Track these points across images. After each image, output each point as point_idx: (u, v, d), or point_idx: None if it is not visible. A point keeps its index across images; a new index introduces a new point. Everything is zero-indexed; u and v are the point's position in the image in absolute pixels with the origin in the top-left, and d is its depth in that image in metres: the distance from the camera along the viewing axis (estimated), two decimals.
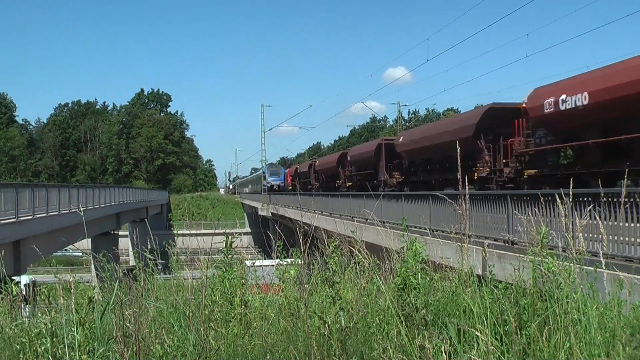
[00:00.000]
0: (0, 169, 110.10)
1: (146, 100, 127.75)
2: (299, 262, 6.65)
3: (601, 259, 5.07)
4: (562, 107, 18.29)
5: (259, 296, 6.31)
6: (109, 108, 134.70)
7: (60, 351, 4.45)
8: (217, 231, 9.57)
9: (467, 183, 6.06)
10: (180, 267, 7.64)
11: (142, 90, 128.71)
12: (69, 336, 4.51)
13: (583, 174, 18.04)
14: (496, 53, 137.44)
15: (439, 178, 28.28)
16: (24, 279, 6.78)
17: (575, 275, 4.61)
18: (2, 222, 20.23)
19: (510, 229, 12.11)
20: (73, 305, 4.69)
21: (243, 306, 5.57)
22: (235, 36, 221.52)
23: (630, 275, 5.53)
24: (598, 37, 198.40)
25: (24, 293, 7.07)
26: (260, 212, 60.83)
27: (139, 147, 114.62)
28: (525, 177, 21.20)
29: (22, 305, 6.21)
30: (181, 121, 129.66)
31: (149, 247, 7.55)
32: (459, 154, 6.29)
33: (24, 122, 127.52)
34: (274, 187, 71.69)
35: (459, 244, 5.56)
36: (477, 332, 4.24)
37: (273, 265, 6.95)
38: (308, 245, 6.62)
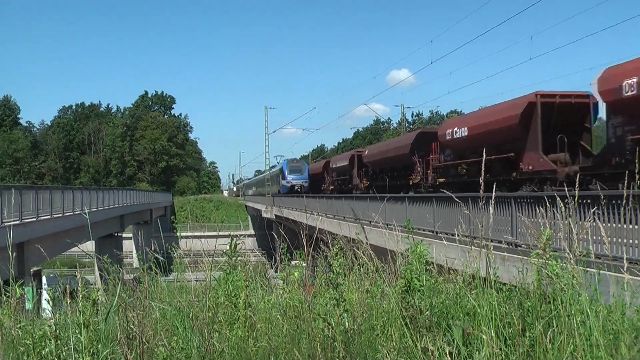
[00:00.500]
0: (4, 172, 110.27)
1: (150, 103, 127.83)
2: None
3: (607, 260, 5.06)
4: (455, 136, 27.52)
5: (263, 298, 6.32)
6: (113, 110, 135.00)
7: (64, 353, 4.45)
8: (221, 233, 9.57)
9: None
10: (184, 269, 7.65)
11: (146, 92, 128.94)
12: (73, 338, 4.51)
13: (472, 182, 24.61)
14: (500, 55, 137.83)
15: (391, 183, 36.78)
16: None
17: (579, 277, 4.61)
18: (6, 224, 20.28)
19: (514, 231, 12.12)
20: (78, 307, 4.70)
21: (247, 308, 5.56)
22: (238, 39, 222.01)
23: (634, 277, 5.52)
24: (601, 39, 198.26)
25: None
26: (264, 215, 60.33)
27: (143, 149, 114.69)
28: (438, 183, 29.75)
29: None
30: (185, 123, 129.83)
31: (153, 249, 7.55)
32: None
33: (28, 125, 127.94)
34: (296, 187, 59.71)
35: (465, 246, 5.55)
36: (482, 335, 4.24)
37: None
38: (312, 247, 6.61)
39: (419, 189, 31.68)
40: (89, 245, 36.04)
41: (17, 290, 6.04)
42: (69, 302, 5.02)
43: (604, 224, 8.66)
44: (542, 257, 4.82)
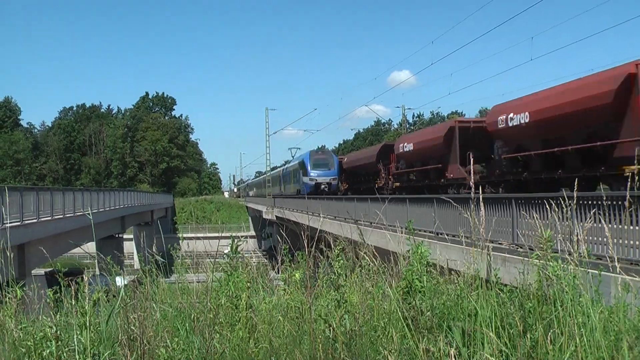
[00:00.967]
0: (5, 173, 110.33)
1: (151, 104, 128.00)
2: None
3: (607, 262, 5.06)
4: (405, 150, 35.26)
5: (264, 299, 6.32)
6: (114, 111, 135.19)
7: (65, 354, 4.45)
8: (222, 235, 9.57)
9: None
10: (185, 270, 7.64)
11: (147, 93, 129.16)
12: (74, 339, 4.51)
13: (418, 186, 33.07)
14: (500, 56, 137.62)
15: (364, 186, 44.27)
16: (122, 280, 6.86)
17: (579, 278, 4.61)
18: (7, 225, 20.28)
19: (514, 232, 12.11)
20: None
21: (248, 309, 5.56)
22: (239, 39, 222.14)
23: (635, 278, 5.52)
24: (602, 40, 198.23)
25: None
26: (264, 216, 59.92)
27: (144, 150, 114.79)
28: (395, 187, 37.42)
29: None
30: (186, 125, 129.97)
31: (154, 250, 7.55)
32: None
33: (28, 126, 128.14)
34: (323, 186, 47.06)
35: (466, 247, 5.56)
36: (483, 336, 4.24)
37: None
38: (313, 248, 6.61)
39: (383, 191, 37.42)
40: (90, 247, 36.06)
41: (18, 291, 6.03)
42: (73, 303, 5.03)
43: (603, 225, 8.66)
44: (542, 258, 4.82)
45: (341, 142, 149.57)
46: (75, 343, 4.48)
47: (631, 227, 8.85)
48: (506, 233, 12.43)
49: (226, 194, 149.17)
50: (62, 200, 28.88)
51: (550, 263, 4.71)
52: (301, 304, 5.82)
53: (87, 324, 4.58)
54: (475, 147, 24.61)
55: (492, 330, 4.38)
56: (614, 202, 9.13)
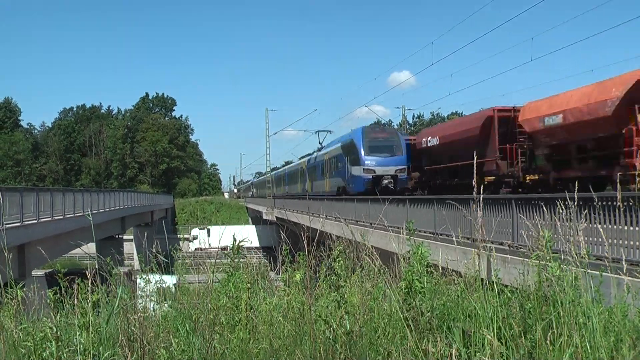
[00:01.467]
0: (5, 173, 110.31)
1: (151, 105, 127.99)
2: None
3: (607, 262, 5.07)
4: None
5: (264, 300, 6.32)
6: (114, 112, 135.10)
7: (65, 355, 4.45)
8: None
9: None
10: (186, 270, 7.64)
11: (147, 94, 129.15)
12: (74, 340, 4.51)
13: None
14: (501, 57, 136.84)
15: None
16: (172, 279, 6.91)
17: (579, 279, 4.61)
18: (7, 226, 20.27)
19: (514, 233, 12.10)
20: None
21: (249, 310, 5.56)
22: (239, 40, 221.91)
23: (635, 279, 5.51)
24: (603, 40, 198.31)
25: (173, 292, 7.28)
26: (264, 216, 59.35)
27: (144, 151, 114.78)
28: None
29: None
30: (186, 125, 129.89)
31: (155, 250, 7.55)
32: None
33: (28, 127, 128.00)
34: (386, 182, 30.54)
35: (466, 248, 5.56)
36: (483, 336, 4.24)
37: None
38: (314, 249, 6.60)
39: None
40: (90, 247, 36.06)
41: (18, 292, 6.04)
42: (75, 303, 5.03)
43: (602, 226, 8.67)
44: (542, 259, 4.83)
45: None
46: (76, 344, 4.48)
47: (630, 228, 8.85)
48: (506, 234, 12.43)
49: (226, 195, 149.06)
50: (62, 201, 28.85)
51: (550, 264, 4.71)
52: (302, 304, 5.83)
53: (88, 325, 4.58)
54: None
55: (492, 331, 4.38)
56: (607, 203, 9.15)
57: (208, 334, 5.00)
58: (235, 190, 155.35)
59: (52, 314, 5.16)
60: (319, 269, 6.99)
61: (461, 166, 26.05)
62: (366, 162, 31.15)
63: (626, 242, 9.00)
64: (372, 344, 5.00)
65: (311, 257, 6.34)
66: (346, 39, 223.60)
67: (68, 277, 5.22)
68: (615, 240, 9.08)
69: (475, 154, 6.38)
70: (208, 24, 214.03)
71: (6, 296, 6.17)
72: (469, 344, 4.43)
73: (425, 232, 16.36)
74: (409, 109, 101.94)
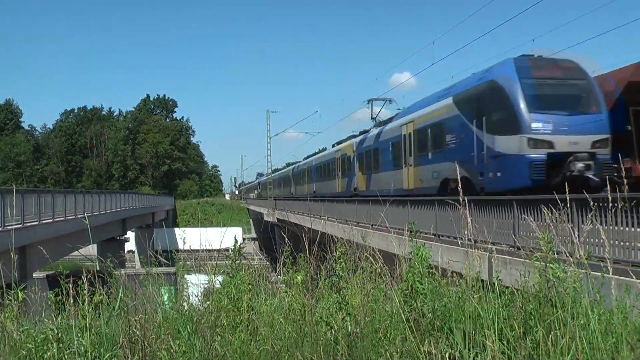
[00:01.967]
0: (6, 175, 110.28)
1: (152, 106, 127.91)
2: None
3: (608, 264, 5.06)
4: None
5: (265, 302, 6.32)
6: (115, 114, 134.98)
7: (66, 357, 4.45)
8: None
9: None
10: (187, 271, 7.64)
11: (148, 96, 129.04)
12: (75, 342, 4.51)
13: None
14: (501, 57, 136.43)
15: None
16: (196, 278, 6.97)
17: (580, 280, 4.61)
18: (8, 227, 20.27)
19: (516, 234, 12.08)
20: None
21: (250, 312, 5.56)
22: (240, 42, 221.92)
23: (635, 280, 5.52)
24: (603, 42, 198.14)
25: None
26: (265, 218, 59.12)
27: (145, 153, 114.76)
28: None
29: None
30: (187, 127, 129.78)
31: (156, 252, 7.55)
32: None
33: (30, 128, 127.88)
34: (581, 169, 14.94)
35: (466, 249, 5.55)
36: (484, 338, 4.24)
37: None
38: (315, 251, 6.60)
39: None
40: (91, 249, 36.07)
41: (20, 293, 6.04)
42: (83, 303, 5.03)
43: (603, 227, 8.65)
44: (543, 260, 4.82)
45: None
46: (76, 345, 4.48)
47: (632, 229, 8.84)
48: (507, 235, 12.41)
49: (227, 196, 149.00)
50: (64, 202, 28.86)
51: (551, 265, 4.70)
52: (303, 306, 5.82)
53: (88, 326, 4.59)
54: None
55: (493, 332, 4.38)
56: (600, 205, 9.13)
57: (209, 335, 5.00)
58: (236, 192, 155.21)
59: (53, 315, 5.16)
60: (320, 271, 6.99)
61: None
62: (533, 126, 15.93)
63: (627, 244, 9.00)
64: (373, 345, 5.00)
65: (312, 259, 6.34)
66: (347, 40, 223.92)
67: (69, 279, 5.23)
68: (615, 241, 9.07)
69: None
70: (209, 26, 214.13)
71: (7, 298, 6.18)
72: (470, 345, 4.43)
73: (427, 234, 16.34)
74: None
